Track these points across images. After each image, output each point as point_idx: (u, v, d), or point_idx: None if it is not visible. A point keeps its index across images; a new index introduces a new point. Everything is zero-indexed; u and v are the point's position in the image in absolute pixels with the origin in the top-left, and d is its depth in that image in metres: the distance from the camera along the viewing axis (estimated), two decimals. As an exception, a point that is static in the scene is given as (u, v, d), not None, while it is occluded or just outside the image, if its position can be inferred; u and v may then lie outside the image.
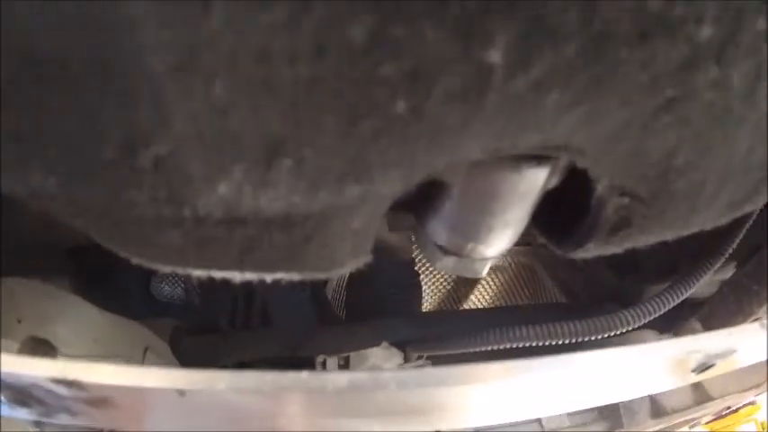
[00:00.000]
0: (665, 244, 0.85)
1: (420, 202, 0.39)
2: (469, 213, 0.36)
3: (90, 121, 0.25)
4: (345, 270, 0.38)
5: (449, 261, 0.40)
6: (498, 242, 0.37)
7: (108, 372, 0.34)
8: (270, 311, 0.95)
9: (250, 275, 0.37)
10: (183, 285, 1.00)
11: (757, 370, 0.90)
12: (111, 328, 0.66)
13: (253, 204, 0.27)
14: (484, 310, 1.13)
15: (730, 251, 0.65)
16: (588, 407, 0.48)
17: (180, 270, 0.37)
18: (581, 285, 0.99)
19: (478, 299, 1.20)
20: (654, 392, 0.54)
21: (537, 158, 0.33)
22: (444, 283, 1.18)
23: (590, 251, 0.42)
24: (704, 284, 0.78)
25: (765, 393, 0.98)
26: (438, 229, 0.38)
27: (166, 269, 0.37)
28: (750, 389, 0.90)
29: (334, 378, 0.35)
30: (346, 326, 0.88)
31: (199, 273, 0.37)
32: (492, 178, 0.33)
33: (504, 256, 1.10)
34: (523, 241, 1.12)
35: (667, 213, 0.38)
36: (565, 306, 0.97)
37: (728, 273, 0.84)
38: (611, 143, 0.31)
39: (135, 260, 0.37)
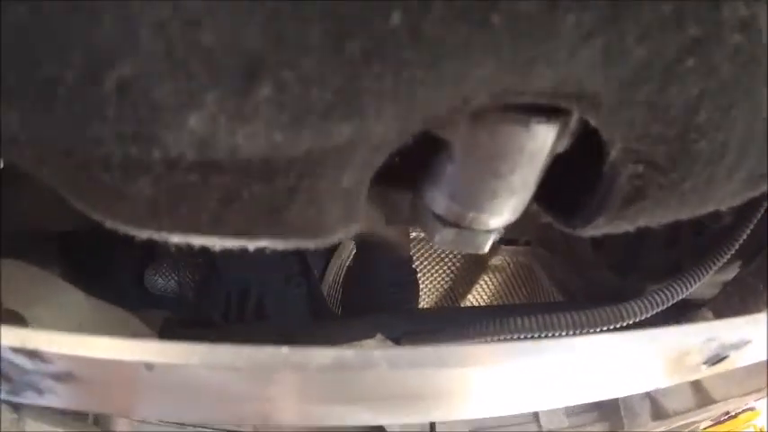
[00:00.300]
0: (667, 241, 0.81)
1: (418, 167, 0.36)
2: (472, 176, 0.32)
3: (50, 39, 0.22)
4: (334, 238, 0.34)
5: (448, 233, 0.36)
6: (502, 211, 0.34)
7: (70, 342, 0.30)
8: (265, 307, 0.91)
9: (231, 243, 0.33)
10: (176, 278, 0.96)
11: (759, 373, 0.85)
12: (98, 313, 0.62)
13: (229, 142, 0.23)
14: (482, 307, 1.09)
15: (739, 244, 0.61)
16: (594, 398, 0.44)
17: (155, 234, 0.33)
18: (579, 286, 0.95)
19: (476, 298, 1.16)
20: (664, 386, 0.50)
21: (547, 114, 0.29)
22: (442, 282, 1.14)
23: (599, 227, 0.38)
24: (706, 285, 0.74)
25: (765, 399, 0.94)
26: (437, 197, 0.34)
27: (142, 234, 0.33)
28: (752, 393, 0.86)
29: (319, 354, 0.31)
30: (341, 319, 0.84)
31: (176, 238, 0.33)
32: (497, 134, 0.29)
33: (502, 255, 1.07)
34: (522, 241, 1.08)
35: (685, 183, 0.34)
36: (564, 304, 0.93)
37: (731, 274, 0.80)
38: (630, 90, 0.27)
39: (108, 222, 0.33)
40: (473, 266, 1.11)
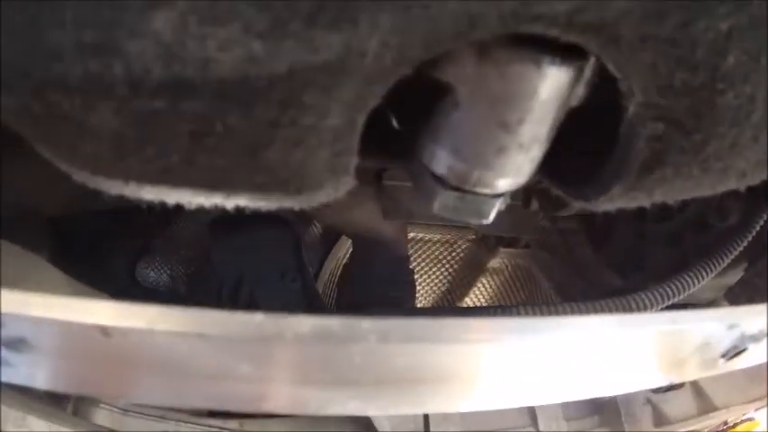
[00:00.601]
0: (671, 240, 0.77)
1: (417, 121, 0.32)
2: (477, 126, 0.28)
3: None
4: (322, 195, 0.30)
5: (449, 198, 0.32)
6: (510, 170, 0.30)
7: (16, 300, 0.26)
8: (257, 301, 0.86)
9: (205, 198, 0.29)
10: (169, 272, 0.92)
11: (762, 380, 0.81)
12: (78, 294, 0.58)
13: (200, 52, 0.20)
14: (480, 307, 1.04)
15: (747, 241, 0.57)
16: (605, 390, 0.40)
17: (125, 188, 0.29)
18: (579, 288, 0.91)
19: (474, 301, 1.11)
20: (680, 380, 0.45)
21: (561, 55, 0.26)
22: (439, 285, 1.09)
23: (614, 199, 0.34)
24: (708, 288, 0.70)
25: (766, 409, 0.90)
26: (438, 154, 0.30)
27: (111, 188, 0.29)
28: (753, 400, 0.82)
29: (296, 322, 0.27)
30: (335, 314, 0.79)
31: (148, 192, 0.29)
32: (507, 74, 0.25)
33: (500, 258, 1.02)
34: (521, 243, 1.04)
35: (708, 146, 0.30)
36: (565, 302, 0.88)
37: (735, 277, 0.76)
38: (654, 21, 0.23)
39: (75, 173, 0.29)
40: (471, 269, 1.07)
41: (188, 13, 0.19)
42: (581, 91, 0.28)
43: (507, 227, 0.89)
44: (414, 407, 0.40)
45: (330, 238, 1.04)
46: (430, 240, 1.04)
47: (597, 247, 0.86)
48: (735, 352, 0.40)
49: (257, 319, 0.27)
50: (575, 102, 0.29)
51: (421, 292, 1.09)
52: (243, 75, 0.21)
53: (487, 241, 1.02)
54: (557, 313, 0.47)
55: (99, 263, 0.93)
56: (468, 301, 1.11)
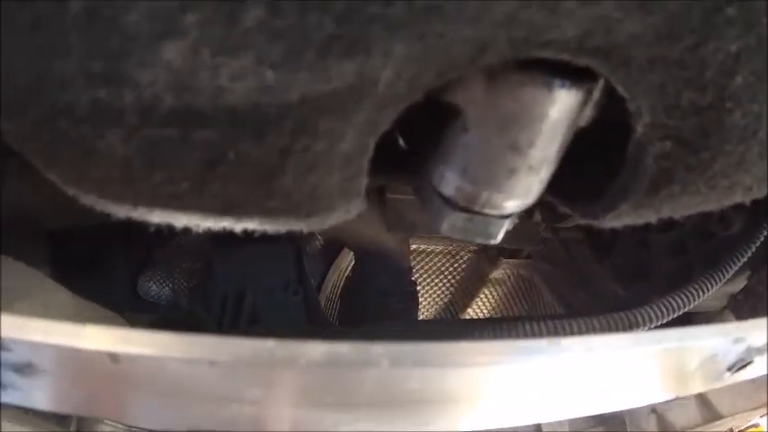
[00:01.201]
0: (674, 249, 0.77)
1: (426, 142, 0.32)
2: (487, 148, 0.28)
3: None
4: (333, 217, 0.29)
5: (458, 219, 0.32)
6: (519, 191, 0.29)
7: (23, 325, 0.25)
8: (259, 313, 0.86)
9: (215, 222, 0.29)
10: (171, 285, 0.91)
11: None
12: (83, 313, 0.57)
13: (212, 82, 0.19)
14: (484, 319, 1.03)
15: (754, 246, 0.57)
16: (613, 405, 0.39)
17: (133, 211, 0.28)
18: (582, 299, 0.91)
19: (476, 312, 1.10)
20: (685, 394, 0.45)
21: (571, 78, 0.26)
22: (441, 296, 1.09)
23: (622, 216, 0.33)
24: (712, 297, 0.70)
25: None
26: (446, 175, 0.30)
27: (120, 212, 0.29)
28: (759, 407, 0.81)
29: (309, 349, 0.26)
30: (337, 327, 0.79)
31: (157, 216, 0.29)
32: (517, 97, 0.25)
33: (502, 269, 1.02)
34: (523, 254, 1.04)
35: (715, 164, 0.30)
36: (569, 315, 0.87)
37: (738, 285, 0.76)
38: (664, 43, 0.23)
39: (83, 196, 0.28)
40: (473, 280, 1.06)
41: (200, 43, 0.18)
42: (590, 112, 0.28)
43: (509, 238, 0.89)
44: (420, 427, 0.40)
45: (332, 251, 1.03)
46: (432, 252, 1.04)
47: (600, 257, 0.86)
48: (741, 365, 0.40)
49: (269, 345, 0.26)
50: (583, 122, 0.29)
51: (423, 303, 1.09)
52: (255, 104, 0.20)
53: (489, 252, 1.01)
54: (563, 329, 0.46)
55: (100, 277, 0.93)
56: (471, 312, 1.11)
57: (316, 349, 0.27)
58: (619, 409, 0.45)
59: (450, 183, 0.30)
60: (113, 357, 0.25)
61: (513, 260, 1.01)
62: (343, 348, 0.28)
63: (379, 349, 0.28)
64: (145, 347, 0.25)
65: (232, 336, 0.26)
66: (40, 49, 0.20)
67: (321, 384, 0.30)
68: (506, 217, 0.32)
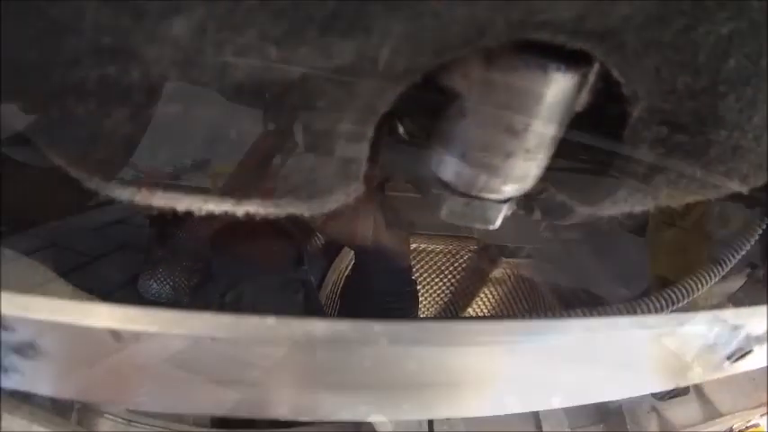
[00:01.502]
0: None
1: (424, 129, 0.32)
2: (485, 132, 0.28)
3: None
4: (332, 201, 0.30)
5: (456, 204, 0.33)
6: (516, 175, 0.30)
7: (25, 303, 0.26)
8: (259, 312, 0.86)
9: (216, 205, 0.29)
10: (171, 283, 0.92)
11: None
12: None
13: (218, 57, 0.20)
14: (485, 317, 1.04)
15: (752, 243, 0.57)
16: (610, 394, 0.40)
17: (137, 194, 0.29)
18: (582, 298, 0.91)
19: (476, 311, 1.11)
20: (685, 383, 0.45)
21: (566, 61, 0.26)
22: (441, 295, 1.09)
23: (619, 203, 0.34)
24: (712, 295, 0.70)
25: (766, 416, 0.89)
26: (445, 160, 0.31)
27: (123, 194, 0.30)
28: (760, 405, 0.81)
29: (309, 325, 0.27)
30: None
31: (159, 199, 0.29)
32: (513, 80, 0.26)
33: (502, 268, 1.03)
34: (524, 253, 1.04)
35: (710, 150, 0.31)
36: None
37: (737, 284, 0.76)
38: (657, 26, 0.24)
39: (86, 179, 0.29)
40: (473, 279, 1.07)
41: (207, 19, 0.19)
42: (585, 96, 0.29)
43: (510, 237, 0.90)
44: (422, 412, 0.40)
45: (332, 250, 1.04)
46: (432, 251, 1.04)
47: (600, 256, 0.86)
48: (740, 354, 0.40)
49: (269, 321, 0.27)
50: (579, 107, 0.29)
51: (423, 302, 1.09)
52: (258, 81, 0.21)
53: (490, 251, 1.02)
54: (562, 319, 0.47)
55: (99, 274, 0.93)
56: (471, 312, 1.11)
57: (316, 326, 0.27)
58: (617, 398, 0.46)
59: (448, 168, 0.31)
60: (116, 335, 0.26)
61: (514, 260, 1.01)
62: (343, 326, 0.28)
63: (378, 327, 0.29)
64: (147, 324, 0.25)
65: (233, 314, 0.27)
66: (53, 24, 0.20)
67: (319, 363, 0.31)
68: (504, 201, 0.33)
